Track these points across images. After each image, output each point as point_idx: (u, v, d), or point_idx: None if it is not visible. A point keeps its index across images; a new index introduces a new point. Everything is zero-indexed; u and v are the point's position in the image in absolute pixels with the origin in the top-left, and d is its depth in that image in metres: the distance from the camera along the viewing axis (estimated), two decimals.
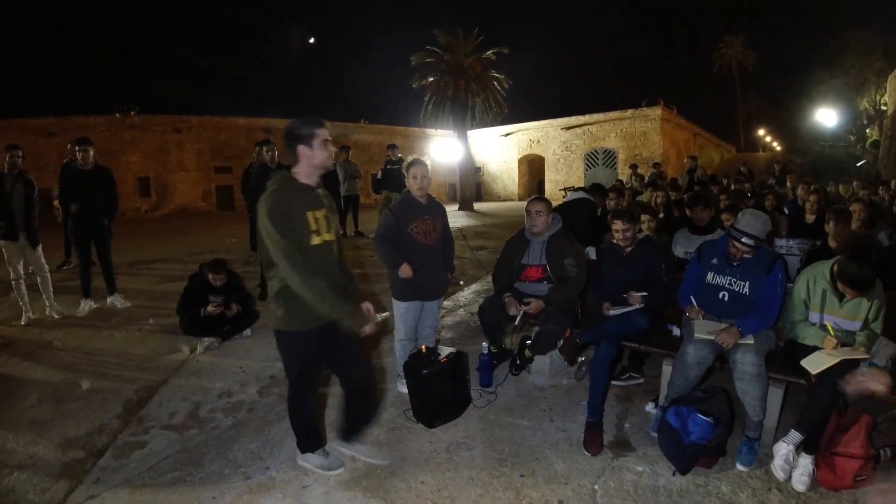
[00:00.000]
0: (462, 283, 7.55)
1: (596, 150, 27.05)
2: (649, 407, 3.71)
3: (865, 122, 33.50)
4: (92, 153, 5.98)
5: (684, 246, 4.93)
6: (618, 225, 3.94)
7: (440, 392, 3.56)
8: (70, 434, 3.52)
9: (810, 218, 5.83)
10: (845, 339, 3.10)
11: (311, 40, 61.42)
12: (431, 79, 23.50)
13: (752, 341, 3.15)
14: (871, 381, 2.83)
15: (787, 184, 9.79)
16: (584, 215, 6.04)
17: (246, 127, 24.44)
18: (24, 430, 3.59)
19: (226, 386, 4.22)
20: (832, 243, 4.20)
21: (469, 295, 6.95)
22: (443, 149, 27.75)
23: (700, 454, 2.92)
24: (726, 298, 3.40)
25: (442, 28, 22.85)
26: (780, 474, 2.88)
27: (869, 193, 8.68)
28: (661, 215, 6.10)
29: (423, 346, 3.83)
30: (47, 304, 6.02)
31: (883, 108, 29.20)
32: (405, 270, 3.80)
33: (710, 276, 3.47)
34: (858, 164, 25.44)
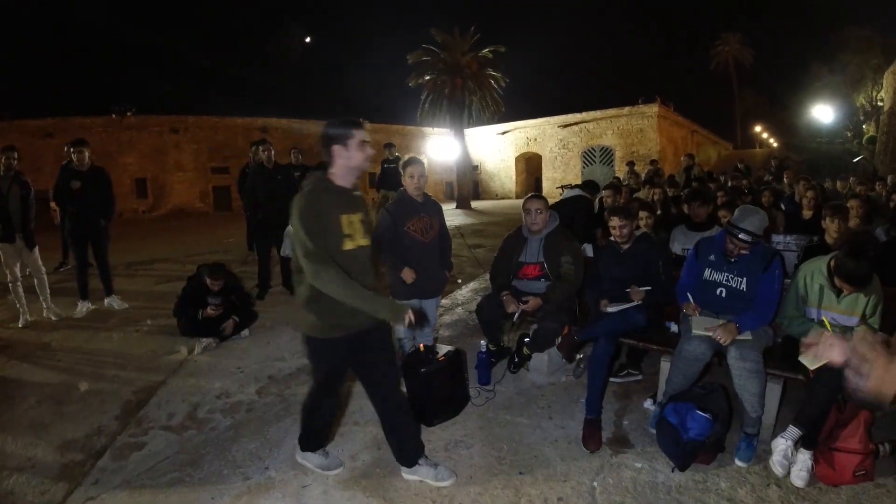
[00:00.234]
0: (460, 281, 7.55)
1: (593, 148, 27.08)
2: (647, 404, 3.71)
3: (862, 118, 33.55)
4: (87, 154, 5.96)
5: (682, 242, 4.93)
6: (615, 222, 3.94)
7: (438, 390, 3.56)
8: (69, 436, 3.52)
9: (807, 214, 5.84)
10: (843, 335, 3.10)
11: (308, 39, 61.24)
12: (428, 77, 23.54)
13: (749, 337, 3.16)
14: (827, 348, 2.84)
15: (784, 180, 9.79)
16: (581, 212, 6.05)
17: (243, 127, 24.42)
18: (23, 432, 3.58)
19: (224, 386, 4.21)
20: (829, 239, 4.20)
21: (467, 293, 6.95)
22: (440, 147, 27.73)
23: (699, 450, 2.93)
24: (724, 295, 3.40)
25: (439, 27, 22.86)
26: (778, 470, 2.88)
27: (866, 189, 8.72)
28: (658, 212, 6.10)
29: (422, 345, 3.83)
30: (45, 306, 6.01)
31: (880, 104, 29.22)
32: (408, 275, 3.83)
33: (707, 272, 3.48)
34: (855, 161, 25.52)
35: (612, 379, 3.99)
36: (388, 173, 10.96)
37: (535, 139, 29.08)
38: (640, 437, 3.35)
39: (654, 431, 3.25)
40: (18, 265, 5.83)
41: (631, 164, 14.39)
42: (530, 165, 30.61)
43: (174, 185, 23.46)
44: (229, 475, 3.03)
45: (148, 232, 15.60)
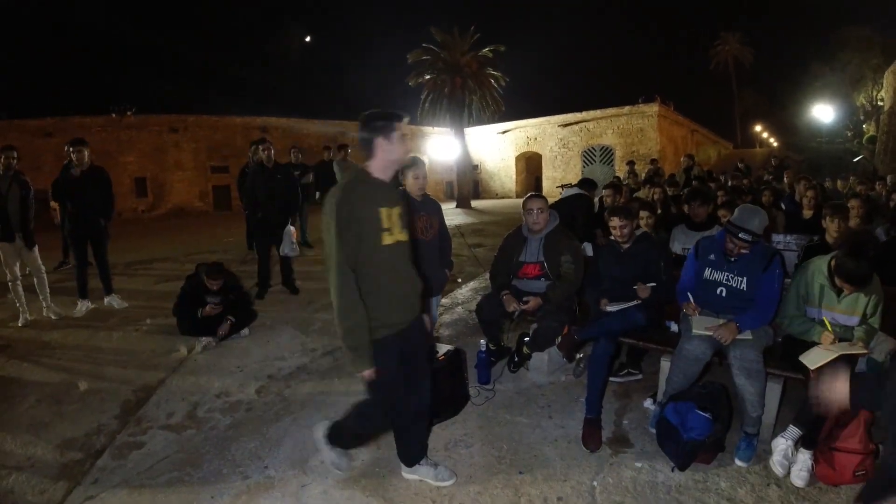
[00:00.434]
0: (460, 280, 7.55)
1: (593, 147, 27.06)
2: (648, 403, 3.71)
3: (862, 117, 33.54)
4: (87, 154, 5.95)
5: (682, 242, 4.93)
6: (615, 221, 3.93)
7: (438, 390, 3.55)
8: (68, 435, 3.52)
9: (808, 214, 5.83)
10: (843, 335, 3.10)
11: (308, 39, 61.22)
12: (428, 76, 23.52)
13: (750, 337, 3.16)
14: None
15: (785, 179, 9.79)
16: (582, 211, 6.05)
17: (243, 126, 24.37)
18: (23, 431, 3.58)
19: (224, 386, 4.21)
20: (829, 239, 4.20)
21: (467, 292, 6.94)
22: (440, 146, 27.70)
23: (699, 450, 2.92)
24: (724, 294, 3.40)
25: (439, 26, 22.86)
26: (778, 470, 2.88)
27: (866, 189, 8.71)
28: (658, 211, 6.10)
29: None
30: (44, 305, 6.01)
31: (880, 103, 29.22)
32: None
33: (707, 271, 3.47)
34: (855, 160, 25.51)
35: (612, 378, 3.98)
36: None
37: (536, 138, 29.06)
38: (640, 436, 3.35)
39: (654, 431, 3.25)
40: (18, 264, 5.83)
41: (631, 163, 14.38)
42: (530, 165, 30.60)
43: (174, 184, 23.43)
44: (229, 474, 3.03)
45: (147, 231, 15.59)
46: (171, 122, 23.41)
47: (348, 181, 2.48)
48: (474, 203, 22.97)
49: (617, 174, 20.00)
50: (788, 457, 2.90)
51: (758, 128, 51.07)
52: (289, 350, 4.91)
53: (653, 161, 15.52)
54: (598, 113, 26.83)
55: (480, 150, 30.68)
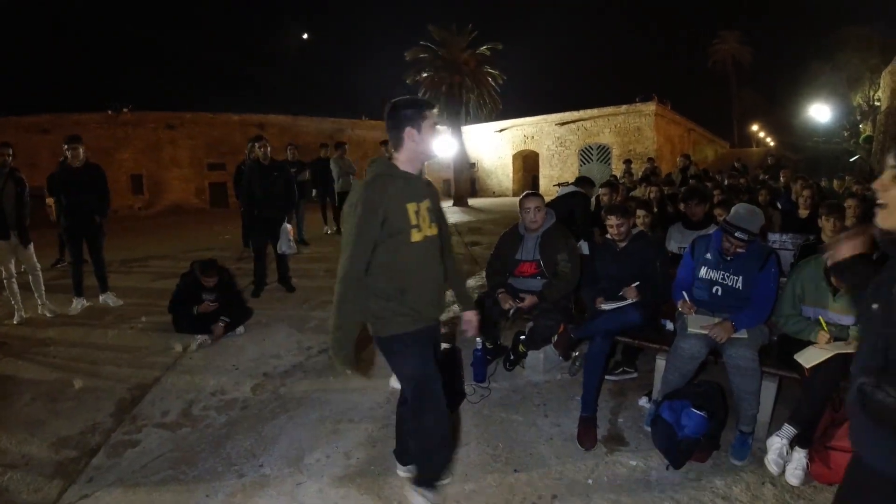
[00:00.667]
0: None
1: (590, 146, 27.05)
2: (643, 401, 3.72)
3: (859, 117, 33.57)
4: (82, 151, 5.93)
5: (678, 241, 4.93)
6: (612, 220, 3.93)
7: None
8: (63, 433, 3.51)
9: (804, 213, 5.85)
10: (839, 334, 3.11)
11: (305, 36, 61.05)
12: (426, 74, 23.45)
13: (745, 336, 3.16)
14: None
15: (781, 179, 9.81)
16: (580, 208, 6.05)
17: (240, 123, 24.33)
18: (17, 429, 3.57)
19: (219, 384, 4.20)
20: (825, 238, 4.20)
21: None
22: (437, 144, 27.61)
23: (694, 448, 2.93)
24: (720, 293, 3.40)
25: (437, 24, 22.82)
26: (773, 468, 2.88)
27: (862, 189, 8.71)
28: (654, 210, 6.10)
29: None
30: (39, 303, 5.98)
31: (877, 103, 29.25)
32: None
33: (703, 270, 3.48)
34: (852, 160, 25.55)
35: (607, 377, 3.99)
36: None
37: (533, 137, 29.04)
38: (635, 434, 3.36)
39: (649, 429, 3.25)
40: (13, 262, 5.81)
41: (628, 162, 14.38)
42: (527, 163, 30.57)
43: (170, 181, 23.39)
44: (224, 473, 3.02)
45: (144, 228, 15.56)
46: (167, 119, 23.38)
47: (374, 175, 2.32)
48: (471, 201, 22.96)
49: (614, 173, 20.01)
50: (783, 455, 2.90)
51: (755, 127, 51.06)
52: (284, 348, 4.90)
53: (650, 160, 15.52)
54: (595, 112, 26.82)
55: (478, 148, 30.65)
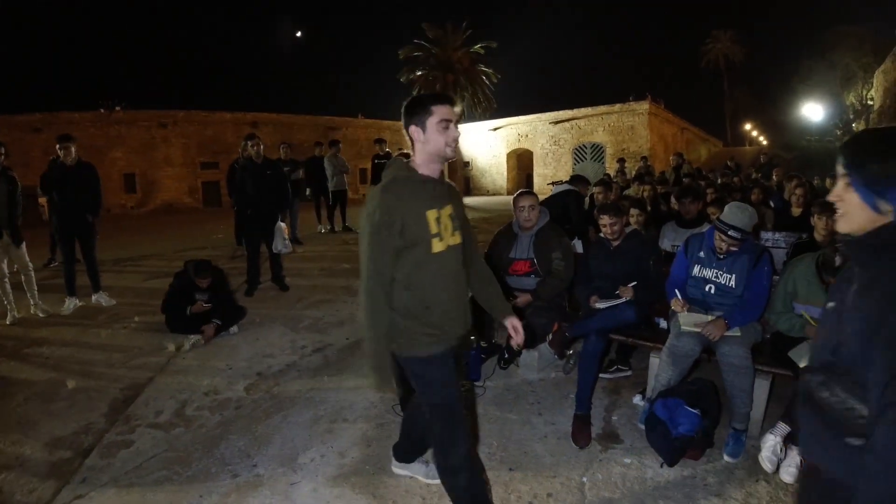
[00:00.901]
0: None
1: (584, 145, 27.13)
2: (637, 399, 3.73)
3: (852, 116, 33.75)
4: (74, 150, 5.90)
5: (671, 239, 4.95)
6: (605, 219, 3.93)
7: None
8: (56, 433, 3.48)
9: (796, 211, 5.87)
10: None
11: (299, 34, 60.91)
12: (420, 73, 23.49)
13: (738, 333, 3.18)
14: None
15: (774, 177, 9.85)
16: (575, 206, 6.06)
17: (233, 121, 24.25)
18: (10, 429, 3.54)
19: (212, 384, 4.19)
20: (818, 236, 4.22)
21: None
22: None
23: (688, 446, 2.94)
24: (713, 291, 3.42)
25: (430, 22, 22.82)
26: (767, 466, 2.89)
27: None
28: (648, 209, 6.12)
29: None
30: (32, 303, 5.95)
31: (869, 102, 29.45)
32: None
33: (696, 268, 3.49)
34: None
35: (601, 375, 3.99)
36: (379, 169, 10.96)
37: (527, 135, 29.08)
38: (629, 432, 3.36)
39: (643, 427, 3.26)
40: (6, 262, 5.77)
41: (622, 160, 14.42)
42: (521, 162, 30.62)
43: (163, 180, 23.29)
44: (217, 473, 3.01)
45: (136, 228, 15.49)
46: (160, 117, 23.27)
47: (390, 180, 2.13)
48: (465, 200, 22.90)
49: (607, 171, 20.06)
50: (777, 453, 2.91)
51: (748, 126, 51.35)
52: (278, 347, 4.89)
53: (643, 158, 15.58)
54: (589, 110, 26.92)
55: (472, 146, 30.67)
